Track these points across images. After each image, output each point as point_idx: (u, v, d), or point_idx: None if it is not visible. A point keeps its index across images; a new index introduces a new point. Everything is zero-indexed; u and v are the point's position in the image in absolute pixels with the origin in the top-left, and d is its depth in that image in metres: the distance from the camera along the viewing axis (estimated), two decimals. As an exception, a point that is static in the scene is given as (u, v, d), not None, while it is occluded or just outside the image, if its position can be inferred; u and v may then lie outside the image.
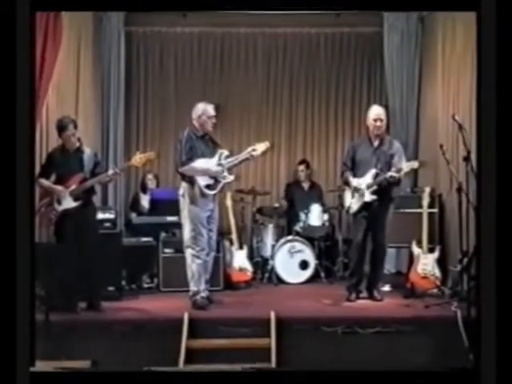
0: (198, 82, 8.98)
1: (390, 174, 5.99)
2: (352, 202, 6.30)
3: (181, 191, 6.08)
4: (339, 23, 8.83)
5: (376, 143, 6.29)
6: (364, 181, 6.17)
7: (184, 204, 6.04)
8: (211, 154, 6.12)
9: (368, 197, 6.11)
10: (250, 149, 6.23)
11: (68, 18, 6.54)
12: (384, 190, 6.14)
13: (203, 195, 5.98)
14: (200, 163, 6.01)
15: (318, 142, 9.13)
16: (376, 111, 6.36)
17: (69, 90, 7.27)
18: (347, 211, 6.49)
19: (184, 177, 6.04)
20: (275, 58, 9.10)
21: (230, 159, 6.19)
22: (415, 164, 6.04)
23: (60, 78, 6.69)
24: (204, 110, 6.13)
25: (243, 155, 6.26)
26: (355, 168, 6.36)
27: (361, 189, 6.17)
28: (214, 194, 6.10)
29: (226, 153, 6.20)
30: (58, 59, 6.17)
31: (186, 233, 6.04)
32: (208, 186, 6.00)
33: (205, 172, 6.01)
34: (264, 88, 9.11)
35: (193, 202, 5.97)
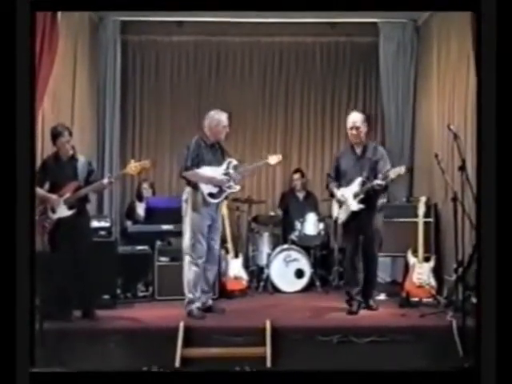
0: (194, 91, 9.00)
1: (376, 182, 5.93)
2: (340, 213, 6.26)
3: (184, 196, 6.08)
4: (335, 33, 8.85)
5: (359, 151, 6.25)
6: (350, 190, 6.12)
7: (186, 210, 6.04)
8: (219, 163, 6.13)
9: (355, 206, 6.07)
10: (261, 162, 6.37)
11: (64, 26, 6.53)
12: (371, 197, 6.09)
13: (205, 203, 5.98)
14: (205, 170, 6.00)
15: (314, 151, 9.14)
16: (352, 119, 6.27)
17: (65, 98, 7.27)
18: (335, 222, 6.47)
19: (189, 182, 6.03)
20: (271, 67, 9.12)
21: (239, 169, 6.22)
22: (402, 169, 5.90)
23: (56, 86, 6.69)
24: (218, 119, 6.10)
25: (253, 167, 6.32)
26: (340, 178, 6.31)
27: (345, 201, 6.14)
28: (217, 204, 6.10)
29: (234, 162, 6.21)
30: (54, 67, 6.15)
31: (186, 240, 6.04)
32: (211, 195, 6.00)
33: (209, 180, 6.01)
34: (260, 97, 9.12)
35: (195, 209, 5.96)
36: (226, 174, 6.11)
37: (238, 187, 6.24)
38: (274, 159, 6.37)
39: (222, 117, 6.13)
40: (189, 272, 6.01)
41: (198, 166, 5.98)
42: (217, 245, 6.23)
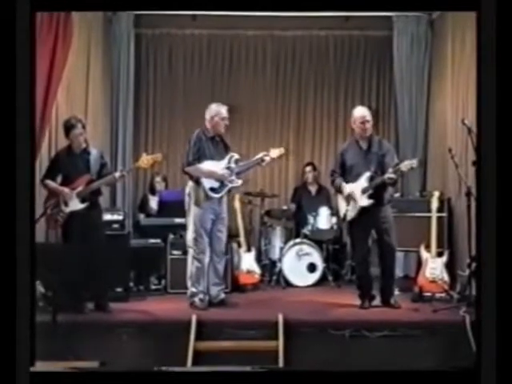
0: (207, 84, 9.00)
1: (387, 175, 5.83)
2: (348, 210, 6.12)
3: (187, 190, 6.14)
4: (348, 26, 8.82)
5: (365, 146, 6.14)
6: (358, 185, 6.03)
7: (189, 204, 6.10)
8: (221, 157, 6.15)
9: (365, 201, 5.97)
10: (261, 154, 6.28)
11: (78, 20, 6.55)
12: (379, 191, 6.00)
13: (207, 197, 6.01)
14: (207, 165, 6.03)
15: (327, 144, 9.11)
16: (362, 113, 6.18)
17: (78, 92, 7.30)
18: (343, 219, 6.30)
19: (191, 176, 6.07)
20: (284, 60, 9.10)
21: (240, 163, 6.23)
22: (414, 162, 5.82)
23: (70, 80, 6.72)
24: (217, 111, 6.14)
25: (254, 160, 6.30)
26: (346, 174, 6.20)
27: (354, 197, 6.04)
28: (221, 197, 6.12)
29: (236, 156, 6.24)
30: (68, 61, 6.19)
31: (189, 233, 6.11)
32: (213, 189, 6.03)
33: (210, 174, 6.03)
34: (273, 91, 9.11)
35: (197, 203, 6.01)
36: (228, 168, 6.13)
37: (240, 181, 6.26)
38: (275, 152, 6.34)
39: (221, 109, 6.16)
40: (192, 266, 6.10)
41: (199, 160, 6.01)
42: (224, 236, 6.25)
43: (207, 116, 6.17)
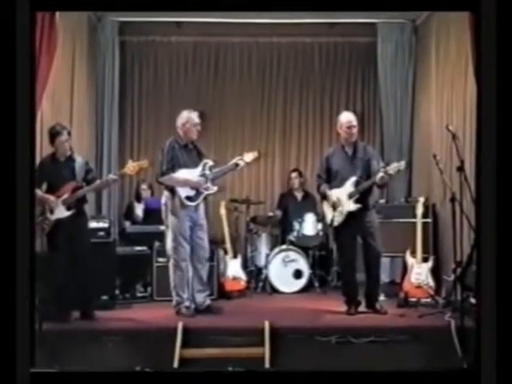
0: (192, 91, 8.98)
1: (379, 175, 5.83)
2: (335, 215, 6.12)
3: (163, 200, 6.12)
4: (333, 33, 8.85)
5: (350, 151, 6.18)
6: (344, 190, 6.05)
7: (166, 213, 6.08)
8: (195, 164, 6.13)
9: (352, 206, 6.00)
10: (235, 159, 6.27)
11: (63, 26, 6.51)
12: (365, 196, 6.03)
13: (183, 206, 5.99)
14: (181, 174, 6.01)
15: (313, 151, 9.12)
16: (348, 118, 6.21)
17: (63, 99, 7.26)
18: (330, 225, 6.27)
19: (166, 186, 6.05)
20: (269, 67, 9.12)
21: (214, 170, 6.20)
22: (402, 165, 5.87)
23: (55, 87, 6.68)
24: (188, 117, 6.11)
25: (228, 166, 6.30)
26: (331, 179, 6.21)
27: (340, 202, 6.06)
28: (197, 205, 6.09)
29: (210, 163, 6.21)
30: (53, 68, 6.14)
31: (168, 242, 6.11)
32: (188, 198, 6.01)
33: (185, 183, 6.01)
34: (258, 97, 9.12)
35: (173, 212, 6.00)
36: (203, 175, 6.11)
37: (215, 188, 6.21)
38: (249, 156, 6.33)
39: (192, 115, 6.13)
40: (174, 275, 6.08)
41: (173, 169, 5.99)
42: (205, 242, 6.19)
43: (179, 123, 6.13)
